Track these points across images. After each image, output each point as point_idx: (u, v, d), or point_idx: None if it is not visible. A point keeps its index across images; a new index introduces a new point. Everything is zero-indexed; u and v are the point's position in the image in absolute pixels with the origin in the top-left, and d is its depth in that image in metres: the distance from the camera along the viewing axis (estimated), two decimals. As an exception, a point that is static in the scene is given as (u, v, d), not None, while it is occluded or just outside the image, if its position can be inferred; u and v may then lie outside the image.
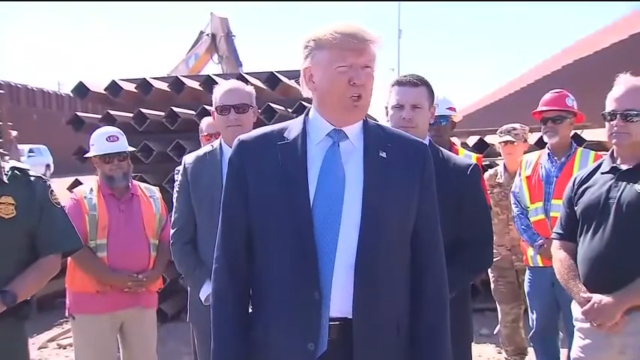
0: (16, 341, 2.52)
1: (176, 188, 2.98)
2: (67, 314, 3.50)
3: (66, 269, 3.39)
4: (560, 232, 2.81)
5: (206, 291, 2.74)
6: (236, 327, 1.82)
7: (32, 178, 2.54)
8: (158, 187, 3.83)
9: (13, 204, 2.43)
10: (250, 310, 1.86)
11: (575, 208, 2.70)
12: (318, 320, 1.70)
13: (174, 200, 2.98)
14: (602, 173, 2.66)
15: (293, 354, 1.71)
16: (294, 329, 1.71)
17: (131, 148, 3.56)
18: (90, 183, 3.61)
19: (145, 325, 3.53)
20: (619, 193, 2.54)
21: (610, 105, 2.61)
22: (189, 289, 2.97)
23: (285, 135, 1.81)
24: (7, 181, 2.46)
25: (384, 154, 1.77)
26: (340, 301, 1.70)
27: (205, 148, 2.93)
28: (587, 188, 2.67)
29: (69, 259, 3.29)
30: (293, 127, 1.82)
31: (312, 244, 1.69)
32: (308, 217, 1.70)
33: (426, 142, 2.44)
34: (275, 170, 1.75)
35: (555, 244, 2.83)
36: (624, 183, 2.55)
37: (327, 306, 1.69)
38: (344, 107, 1.74)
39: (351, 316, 1.71)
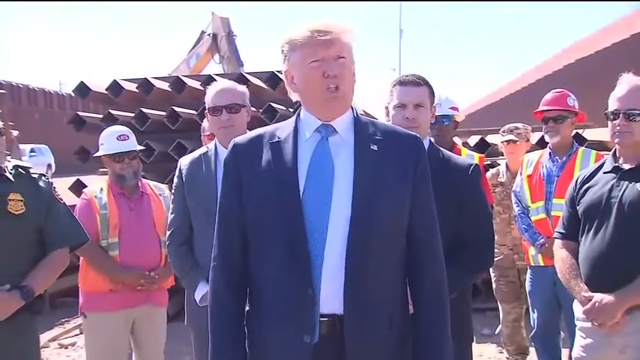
0: (28, 335, 2.58)
1: (172, 190, 2.99)
2: (79, 313, 3.52)
3: (71, 269, 3.40)
4: (562, 231, 2.81)
5: (201, 292, 2.75)
6: (233, 326, 1.83)
7: (35, 176, 2.60)
8: (167, 186, 3.85)
9: (21, 200, 2.49)
10: (247, 308, 1.87)
11: (578, 208, 2.70)
12: (311, 316, 1.71)
13: (170, 202, 3.00)
14: (605, 173, 2.66)
15: (289, 348, 1.73)
16: (289, 325, 1.72)
17: (140, 147, 3.59)
18: (100, 183, 3.64)
19: (156, 322, 3.55)
20: (621, 192, 2.54)
21: (613, 104, 2.61)
22: (186, 291, 2.97)
23: (277, 135, 1.83)
24: (12, 179, 2.50)
25: (374, 147, 1.77)
26: (330, 297, 1.71)
27: (200, 150, 2.94)
28: (589, 188, 2.67)
29: (81, 258, 3.34)
30: (285, 127, 1.85)
31: (304, 239, 1.70)
32: (298, 213, 1.71)
33: (427, 142, 2.44)
34: (267, 169, 1.77)
35: (557, 243, 2.83)
36: (626, 182, 2.55)
37: (319, 302, 1.70)
38: (324, 100, 1.75)
39: (340, 312, 1.71)
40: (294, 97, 1.84)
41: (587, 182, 2.70)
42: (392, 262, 1.79)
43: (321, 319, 1.71)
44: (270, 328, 1.76)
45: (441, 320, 1.82)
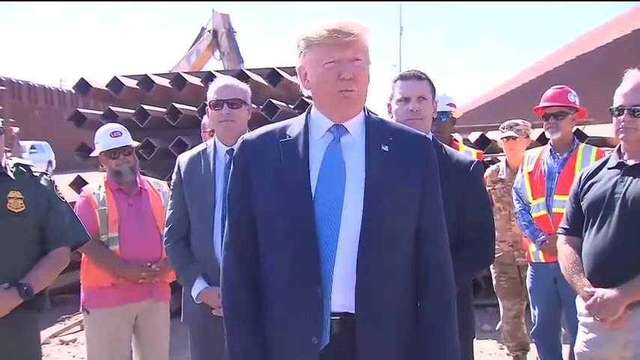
0: (29, 332, 2.59)
1: (171, 186, 3.00)
2: (81, 309, 3.52)
3: (72, 265, 3.41)
4: (566, 227, 2.81)
5: (197, 288, 2.76)
6: (248, 315, 1.80)
7: (37, 174, 2.60)
8: (166, 182, 3.86)
9: (21, 198, 2.49)
10: None
11: (581, 203, 2.70)
12: (321, 315, 1.70)
13: (169, 198, 3.00)
14: (609, 169, 2.66)
15: (297, 348, 1.72)
16: (297, 324, 1.72)
17: (135, 143, 3.59)
18: (98, 181, 3.66)
19: (159, 317, 3.56)
20: (625, 188, 2.54)
21: (618, 100, 2.60)
22: (183, 288, 2.97)
23: (287, 133, 1.82)
24: (13, 177, 2.51)
25: (385, 148, 1.77)
26: (342, 296, 1.71)
27: (199, 147, 2.94)
28: (593, 183, 2.67)
29: (83, 254, 3.36)
30: (295, 125, 1.84)
31: (314, 240, 1.70)
32: (310, 213, 1.71)
33: (429, 138, 2.44)
34: (278, 168, 1.76)
35: (561, 239, 2.83)
36: (630, 178, 2.55)
37: (329, 300, 1.70)
38: (337, 102, 1.75)
39: (352, 311, 1.71)
40: (306, 92, 1.84)
41: (592, 178, 2.70)
42: (403, 260, 1.78)
43: (333, 317, 1.71)
44: (279, 327, 1.76)
45: (444, 318, 1.80)
